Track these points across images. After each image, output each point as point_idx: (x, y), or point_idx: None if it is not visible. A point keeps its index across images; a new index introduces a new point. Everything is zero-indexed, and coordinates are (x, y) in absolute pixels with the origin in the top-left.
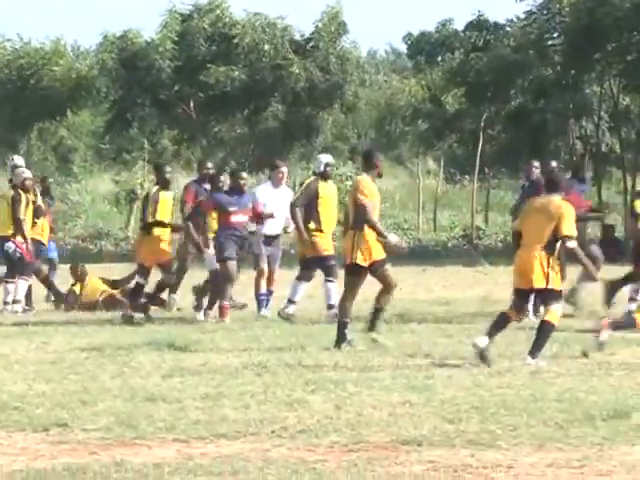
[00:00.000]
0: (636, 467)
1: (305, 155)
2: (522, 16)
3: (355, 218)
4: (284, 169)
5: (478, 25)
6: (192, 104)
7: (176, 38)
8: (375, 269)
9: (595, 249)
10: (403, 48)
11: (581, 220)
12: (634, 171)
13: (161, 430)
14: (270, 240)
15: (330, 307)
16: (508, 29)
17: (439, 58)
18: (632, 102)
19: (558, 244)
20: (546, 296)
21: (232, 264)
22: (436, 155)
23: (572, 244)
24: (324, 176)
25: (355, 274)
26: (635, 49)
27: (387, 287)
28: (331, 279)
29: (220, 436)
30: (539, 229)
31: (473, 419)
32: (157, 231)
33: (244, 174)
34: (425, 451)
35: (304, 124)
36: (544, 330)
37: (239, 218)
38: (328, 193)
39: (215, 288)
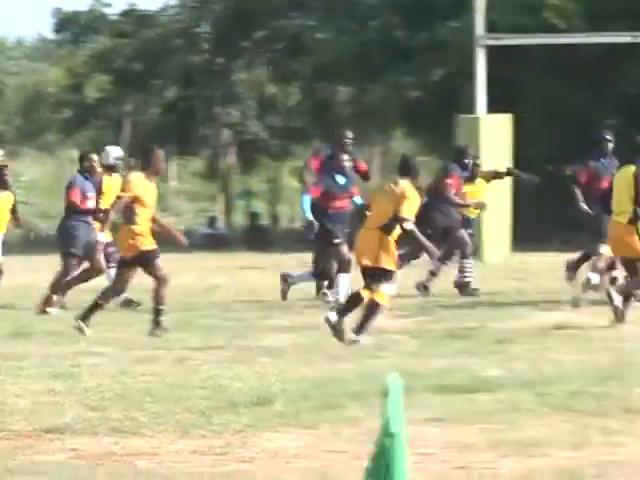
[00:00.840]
0: (279, 454)
1: None
2: (173, 3)
3: (127, 212)
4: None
5: (128, 11)
6: None
7: None
8: (144, 261)
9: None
10: (51, 32)
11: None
12: (279, 158)
13: None
14: None
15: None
16: (159, 17)
17: (85, 41)
18: (279, 90)
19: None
20: (375, 275)
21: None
22: (82, 143)
23: (410, 226)
24: (112, 169)
25: (124, 265)
26: (284, 38)
27: (159, 281)
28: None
29: None
30: (382, 210)
31: (117, 407)
32: None
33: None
34: (68, 439)
35: None
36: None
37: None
38: (112, 187)
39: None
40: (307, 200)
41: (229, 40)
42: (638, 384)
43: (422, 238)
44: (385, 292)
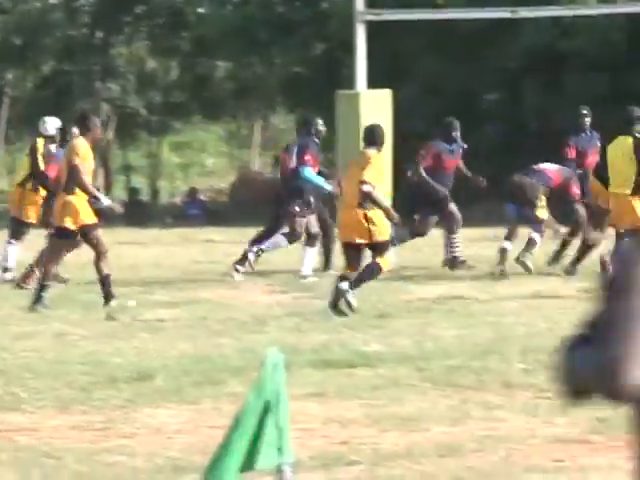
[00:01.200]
0: (160, 429)
1: None
2: None
3: (67, 180)
4: None
5: None
6: None
7: None
8: (85, 233)
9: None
10: None
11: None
12: (159, 134)
13: None
14: None
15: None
16: None
17: None
18: (159, 65)
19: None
20: (374, 248)
21: None
22: None
23: (367, 188)
24: (52, 140)
25: (63, 237)
26: (165, 13)
27: (98, 253)
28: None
29: None
30: (356, 184)
31: None
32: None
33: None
34: None
35: None
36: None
37: None
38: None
39: None
40: (311, 171)
41: (109, 14)
42: (517, 359)
43: (380, 201)
44: (388, 259)
